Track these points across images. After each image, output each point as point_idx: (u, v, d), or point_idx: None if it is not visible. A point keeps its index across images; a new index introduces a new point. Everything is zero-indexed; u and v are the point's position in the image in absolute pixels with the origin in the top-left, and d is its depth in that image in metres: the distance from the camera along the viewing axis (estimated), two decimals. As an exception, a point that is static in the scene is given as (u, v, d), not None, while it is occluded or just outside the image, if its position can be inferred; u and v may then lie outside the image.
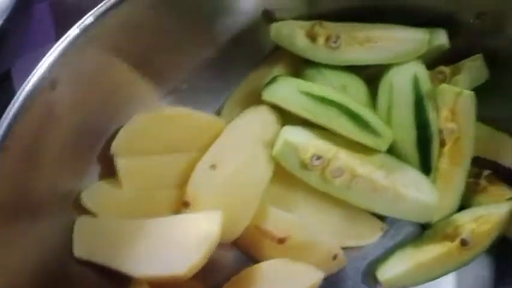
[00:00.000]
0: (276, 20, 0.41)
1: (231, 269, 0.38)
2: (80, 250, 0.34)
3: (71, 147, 0.35)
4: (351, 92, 0.41)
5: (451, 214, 0.41)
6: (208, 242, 0.33)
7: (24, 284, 0.32)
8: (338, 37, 0.40)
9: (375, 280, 0.39)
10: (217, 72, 0.42)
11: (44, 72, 0.31)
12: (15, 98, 0.31)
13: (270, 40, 0.41)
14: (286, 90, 0.39)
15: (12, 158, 0.31)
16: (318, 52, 0.40)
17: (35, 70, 0.32)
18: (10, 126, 0.30)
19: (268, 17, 0.41)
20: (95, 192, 0.36)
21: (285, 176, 0.39)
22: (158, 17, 0.36)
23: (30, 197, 0.33)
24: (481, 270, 0.41)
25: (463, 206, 0.41)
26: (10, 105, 0.31)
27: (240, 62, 0.43)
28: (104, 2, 0.33)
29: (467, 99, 0.39)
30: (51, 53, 0.32)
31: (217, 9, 0.40)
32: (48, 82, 0.32)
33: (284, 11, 0.41)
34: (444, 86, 0.39)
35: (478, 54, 0.41)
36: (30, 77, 0.31)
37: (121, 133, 0.36)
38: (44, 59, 0.32)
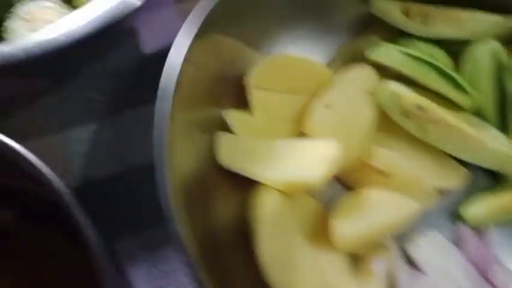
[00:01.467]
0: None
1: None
2: (222, 159, 0.39)
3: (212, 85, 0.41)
4: (438, 60, 0.48)
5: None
6: (330, 160, 0.39)
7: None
8: (427, 14, 0.48)
9: (459, 218, 0.45)
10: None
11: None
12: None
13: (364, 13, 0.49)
14: (388, 51, 0.45)
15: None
16: (411, 24, 0.48)
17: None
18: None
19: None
20: (232, 115, 0.41)
21: (384, 123, 0.45)
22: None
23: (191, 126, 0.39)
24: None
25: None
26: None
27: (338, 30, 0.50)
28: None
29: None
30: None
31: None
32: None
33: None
34: (518, 58, 0.46)
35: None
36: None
37: (256, 69, 0.42)
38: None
